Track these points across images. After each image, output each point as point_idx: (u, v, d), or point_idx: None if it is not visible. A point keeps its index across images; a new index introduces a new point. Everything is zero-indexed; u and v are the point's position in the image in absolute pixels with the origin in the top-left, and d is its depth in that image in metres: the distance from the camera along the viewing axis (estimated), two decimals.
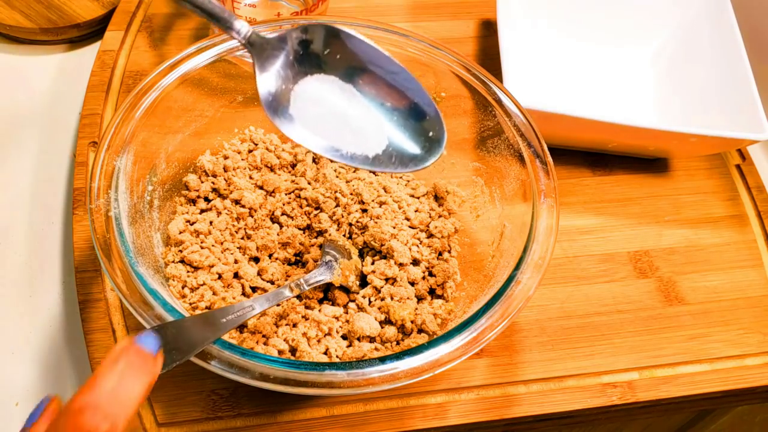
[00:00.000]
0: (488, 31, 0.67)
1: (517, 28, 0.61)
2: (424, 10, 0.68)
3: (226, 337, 0.44)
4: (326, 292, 0.48)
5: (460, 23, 0.68)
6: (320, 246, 0.49)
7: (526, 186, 0.45)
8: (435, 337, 0.39)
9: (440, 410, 0.46)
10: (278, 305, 0.46)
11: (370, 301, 0.47)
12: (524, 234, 0.42)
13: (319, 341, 0.44)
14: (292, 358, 0.43)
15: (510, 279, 0.40)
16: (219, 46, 0.47)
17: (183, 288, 0.45)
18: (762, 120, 0.53)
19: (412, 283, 0.48)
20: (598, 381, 0.48)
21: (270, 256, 0.48)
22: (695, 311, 0.52)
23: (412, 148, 0.38)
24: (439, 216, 0.52)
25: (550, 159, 0.45)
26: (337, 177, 0.52)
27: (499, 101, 0.47)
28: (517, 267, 0.41)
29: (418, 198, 0.53)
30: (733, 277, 0.54)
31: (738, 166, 0.61)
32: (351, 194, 0.51)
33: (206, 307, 0.44)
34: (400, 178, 0.54)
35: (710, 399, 0.50)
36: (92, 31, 0.65)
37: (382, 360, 0.36)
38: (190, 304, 0.44)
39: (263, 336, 0.44)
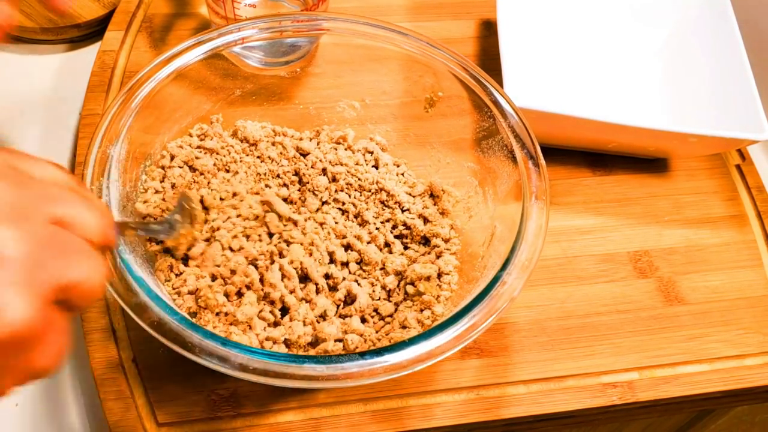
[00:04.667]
0: (488, 31, 0.67)
1: (517, 28, 0.61)
2: (424, 10, 0.68)
3: (210, 327, 0.44)
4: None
5: (460, 23, 0.68)
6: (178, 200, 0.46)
7: (518, 187, 0.45)
8: (417, 334, 0.39)
9: (440, 410, 0.46)
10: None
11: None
12: (513, 235, 0.42)
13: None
14: (279, 348, 0.43)
15: (495, 279, 0.40)
16: (215, 41, 0.47)
17: (170, 271, 0.45)
18: (762, 120, 0.53)
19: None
20: (598, 381, 0.48)
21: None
22: (695, 311, 0.52)
23: None
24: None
25: (542, 161, 0.45)
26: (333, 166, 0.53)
27: (495, 102, 0.47)
28: (503, 268, 0.41)
29: (414, 197, 0.52)
30: (733, 277, 0.54)
31: (738, 166, 0.61)
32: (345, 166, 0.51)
33: (188, 292, 0.44)
34: (400, 174, 0.54)
35: (710, 399, 0.50)
36: (93, 31, 0.65)
37: (362, 355, 0.37)
38: (174, 288, 0.44)
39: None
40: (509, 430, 0.48)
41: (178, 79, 0.46)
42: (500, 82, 0.53)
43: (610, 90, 0.63)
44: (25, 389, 0.47)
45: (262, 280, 0.45)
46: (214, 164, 0.50)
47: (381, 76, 0.53)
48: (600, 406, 0.47)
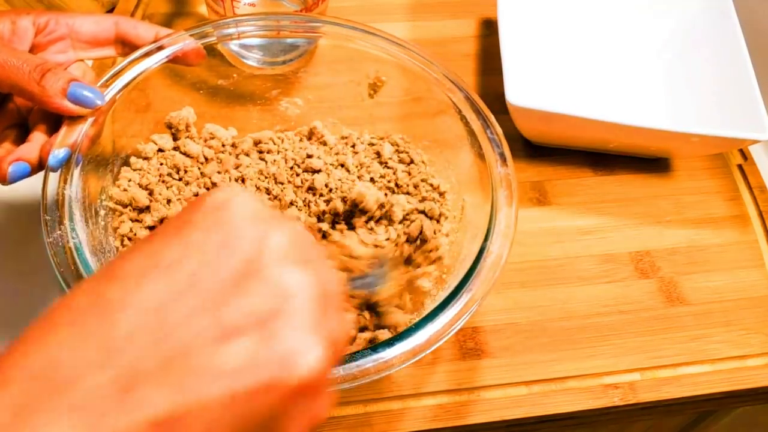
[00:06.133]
0: (489, 30, 0.67)
1: (518, 27, 0.60)
2: (424, 9, 0.68)
3: None
4: None
5: (461, 22, 0.67)
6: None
7: (479, 157, 0.45)
8: (420, 318, 0.39)
9: (441, 412, 0.46)
10: None
11: None
12: (486, 205, 0.43)
13: None
14: None
15: (481, 250, 0.41)
16: (212, 35, 0.47)
17: None
18: (764, 119, 0.53)
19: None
20: (599, 382, 0.48)
21: None
22: (697, 312, 0.52)
23: None
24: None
25: (498, 128, 0.46)
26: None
27: (444, 76, 0.48)
28: (486, 238, 0.41)
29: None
30: (735, 278, 0.54)
31: (740, 166, 0.61)
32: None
33: None
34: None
35: (712, 400, 0.50)
36: None
37: (374, 349, 0.37)
38: None
39: None
40: (510, 431, 0.48)
41: (165, 73, 0.46)
42: (501, 82, 0.52)
43: (611, 90, 0.63)
44: None
45: None
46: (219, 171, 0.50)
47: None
48: (601, 407, 0.47)
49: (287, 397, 0.22)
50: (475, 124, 0.46)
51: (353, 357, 0.36)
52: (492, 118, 0.46)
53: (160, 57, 0.45)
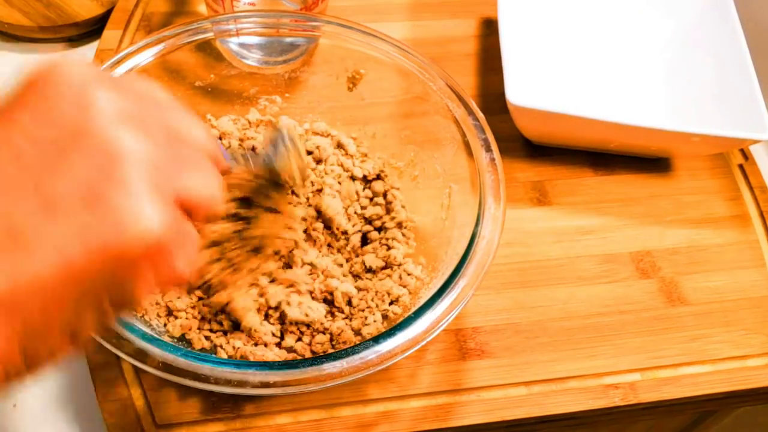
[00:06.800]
0: (489, 29, 0.67)
1: (519, 27, 0.60)
2: (424, 9, 0.68)
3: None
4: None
5: (461, 22, 0.67)
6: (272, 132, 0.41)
7: (464, 144, 0.45)
8: (418, 306, 0.39)
9: (441, 412, 0.46)
10: None
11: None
12: (475, 191, 0.43)
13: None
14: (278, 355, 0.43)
15: (473, 236, 0.41)
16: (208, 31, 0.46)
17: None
18: (765, 119, 0.53)
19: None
20: (600, 382, 0.48)
21: None
22: (697, 312, 0.52)
23: None
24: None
25: (480, 114, 0.46)
26: None
27: (421, 66, 0.48)
28: (477, 223, 0.41)
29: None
30: (736, 278, 0.54)
31: (741, 166, 0.61)
32: None
33: (169, 313, 0.43)
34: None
35: (712, 400, 0.50)
36: (91, 29, 0.64)
37: (376, 340, 0.37)
38: (158, 315, 0.44)
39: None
40: (510, 431, 0.48)
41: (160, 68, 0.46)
42: (501, 81, 0.52)
43: (612, 89, 0.63)
44: (22, 390, 0.47)
45: None
46: None
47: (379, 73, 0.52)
48: (602, 407, 0.47)
49: (128, 262, 0.22)
50: (457, 111, 0.46)
51: (355, 349, 0.36)
52: (474, 104, 0.46)
53: (155, 51, 0.45)
